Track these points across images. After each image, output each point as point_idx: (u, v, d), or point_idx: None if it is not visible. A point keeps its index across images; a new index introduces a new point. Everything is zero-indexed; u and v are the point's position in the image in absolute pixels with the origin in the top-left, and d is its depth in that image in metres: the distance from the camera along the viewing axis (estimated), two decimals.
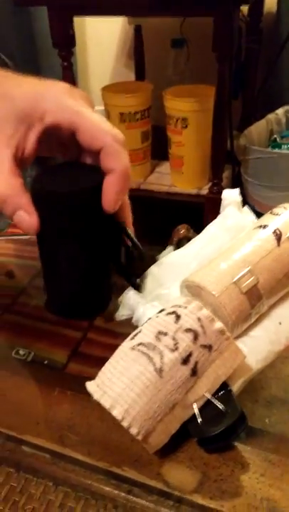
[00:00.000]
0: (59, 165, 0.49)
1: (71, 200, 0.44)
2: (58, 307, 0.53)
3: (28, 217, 0.44)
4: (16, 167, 0.44)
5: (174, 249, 0.60)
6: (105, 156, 0.43)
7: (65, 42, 1.24)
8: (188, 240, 0.61)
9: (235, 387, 0.43)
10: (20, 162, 0.44)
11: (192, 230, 0.63)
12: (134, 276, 0.53)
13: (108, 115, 1.36)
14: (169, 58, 1.49)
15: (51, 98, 0.43)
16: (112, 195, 0.44)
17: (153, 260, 0.57)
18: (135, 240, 0.49)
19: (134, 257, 0.49)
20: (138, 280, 0.54)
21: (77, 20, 1.25)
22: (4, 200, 0.43)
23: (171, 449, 0.41)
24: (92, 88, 1.77)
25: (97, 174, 0.45)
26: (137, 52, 1.59)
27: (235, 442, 0.42)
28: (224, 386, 0.41)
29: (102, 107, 1.41)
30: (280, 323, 0.47)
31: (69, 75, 1.30)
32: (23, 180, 0.44)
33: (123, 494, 0.40)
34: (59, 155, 0.50)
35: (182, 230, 0.62)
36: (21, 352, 0.53)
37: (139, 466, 0.41)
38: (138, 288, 0.53)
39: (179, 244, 0.61)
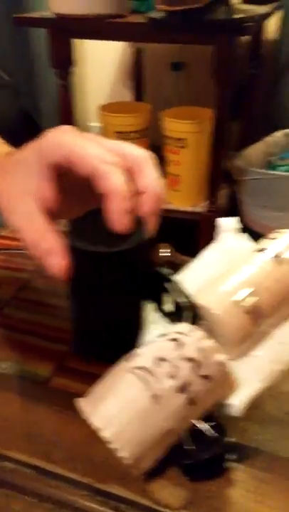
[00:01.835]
0: (90, 213, 0.47)
1: (114, 260, 0.45)
2: (90, 350, 0.53)
3: (58, 261, 0.40)
4: (45, 214, 0.40)
5: None
6: (94, 181, 0.39)
7: (63, 63, 1.25)
8: (171, 263, 0.61)
9: (241, 406, 0.42)
10: (48, 211, 0.41)
11: (173, 249, 0.63)
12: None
13: (105, 134, 1.37)
14: (168, 80, 1.51)
15: (50, 139, 0.40)
16: (113, 220, 0.39)
17: None
18: (181, 288, 0.47)
19: (180, 305, 0.47)
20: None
21: (77, 40, 1.27)
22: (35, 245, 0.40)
23: (159, 466, 0.40)
24: (89, 106, 1.79)
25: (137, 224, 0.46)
26: (137, 73, 1.61)
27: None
28: (214, 417, 0.41)
29: (96, 123, 1.42)
30: (282, 343, 0.47)
31: (66, 95, 1.31)
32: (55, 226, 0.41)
33: (109, 511, 0.39)
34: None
35: (164, 250, 0.63)
36: (3, 365, 0.52)
37: (126, 483, 0.40)
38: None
39: None
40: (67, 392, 0.47)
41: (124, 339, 0.49)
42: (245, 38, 1.40)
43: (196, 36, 1.13)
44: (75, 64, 1.29)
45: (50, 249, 0.40)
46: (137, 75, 1.62)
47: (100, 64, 1.75)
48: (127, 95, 1.71)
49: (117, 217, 0.39)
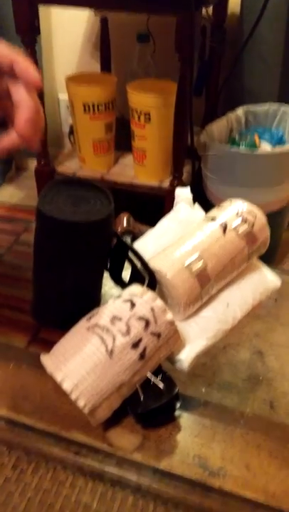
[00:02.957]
0: (61, 182, 0.51)
1: (85, 230, 0.47)
2: (53, 319, 0.55)
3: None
4: None
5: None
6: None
7: (29, 29, 1.24)
8: (129, 233, 0.65)
9: (189, 360, 0.47)
10: None
11: (132, 218, 0.67)
12: None
13: (72, 104, 1.37)
14: (134, 52, 1.51)
15: None
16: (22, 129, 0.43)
17: None
18: (145, 260, 0.50)
19: (141, 277, 0.50)
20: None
21: (42, 8, 1.26)
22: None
23: (115, 416, 0.45)
24: (56, 77, 1.78)
25: (104, 198, 0.49)
26: (103, 44, 1.61)
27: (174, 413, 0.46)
28: (163, 370, 0.46)
29: (65, 95, 1.42)
30: (227, 305, 0.52)
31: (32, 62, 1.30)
32: None
33: (71, 455, 0.44)
34: None
35: (124, 220, 0.66)
36: None
37: (86, 430, 0.44)
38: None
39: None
40: (36, 354, 0.50)
41: (83, 309, 0.52)
42: (208, 11, 1.42)
43: (158, 6, 1.14)
44: (40, 31, 1.28)
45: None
46: (103, 46, 1.61)
47: (67, 34, 1.73)
48: (95, 66, 1.71)
49: (26, 126, 0.42)
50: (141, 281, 0.49)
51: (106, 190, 0.50)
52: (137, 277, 0.50)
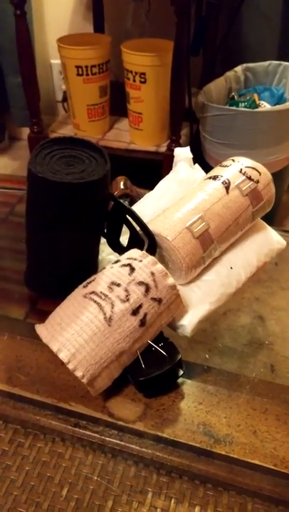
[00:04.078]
0: (54, 142, 0.47)
1: (80, 190, 0.44)
2: (48, 287, 0.52)
3: None
4: None
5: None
6: None
7: None
8: (127, 196, 0.62)
9: (192, 326, 0.45)
10: None
11: (129, 181, 0.64)
12: None
13: (64, 68, 1.32)
14: (129, 10, 1.45)
15: None
16: None
17: None
18: (144, 222, 0.47)
19: (140, 240, 0.47)
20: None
21: None
22: None
23: (116, 385, 0.43)
24: (48, 39, 1.71)
25: (99, 157, 0.45)
26: (96, 3, 1.54)
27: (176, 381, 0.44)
28: (165, 337, 0.44)
29: (58, 60, 1.37)
30: (231, 268, 0.49)
31: (23, 24, 1.25)
32: None
33: (70, 427, 0.42)
34: None
35: (121, 183, 0.63)
36: None
37: (85, 401, 0.43)
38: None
39: None
40: (31, 324, 0.48)
41: (79, 276, 0.50)
42: None
43: None
44: None
45: None
46: (96, 5, 1.54)
47: None
48: (88, 27, 1.64)
49: None
50: (140, 246, 0.47)
51: (101, 148, 0.47)
52: (135, 241, 0.48)
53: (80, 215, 0.46)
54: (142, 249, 0.46)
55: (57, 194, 0.44)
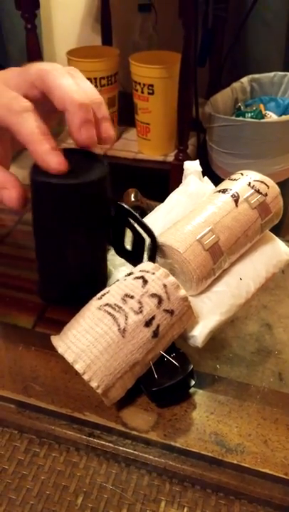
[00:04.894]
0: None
1: (80, 191, 0.44)
2: (58, 296, 0.53)
3: (10, 192, 0.45)
4: None
5: None
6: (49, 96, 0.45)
7: (28, 4, 1.21)
8: (138, 208, 0.64)
9: (202, 336, 0.46)
10: None
11: (140, 194, 0.65)
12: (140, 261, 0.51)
13: None
14: (136, 23, 1.47)
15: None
16: (74, 132, 0.45)
17: None
18: (147, 224, 0.48)
19: (142, 242, 0.48)
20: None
21: None
22: None
23: (129, 395, 0.44)
24: (57, 52, 1.74)
25: (97, 161, 0.47)
26: (104, 15, 1.56)
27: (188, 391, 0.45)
28: (177, 348, 0.45)
29: None
30: (240, 279, 0.50)
31: (33, 37, 1.27)
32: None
33: (84, 437, 0.43)
34: None
35: (131, 195, 0.64)
36: None
37: (99, 411, 0.44)
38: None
39: None
40: (45, 334, 0.49)
41: (88, 283, 0.50)
42: None
43: None
44: (39, 5, 1.25)
45: (1, 183, 0.44)
46: (104, 18, 1.57)
47: (67, 9, 1.69)
48: (96, 40, 1.66)
49: (79, 128, 0.44)
50: (142, 245, 0.48)
51: (99, 155, 0.48)
52: (138, 241, 0.49)
53: (83, 217, 0.46)
54: (143, 248, 0.48)
55: (58, 196, 0.45)
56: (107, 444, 0.42)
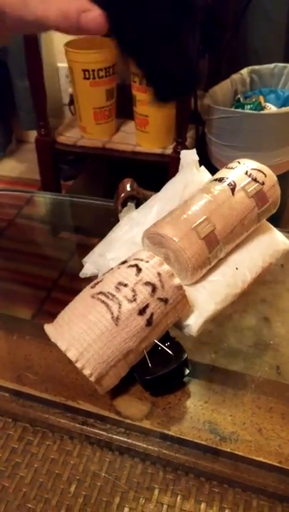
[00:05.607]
0: None
1: None
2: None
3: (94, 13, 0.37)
4: None
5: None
6: None
7: None
8: (133, 198, 0.63)
9: (197, 325, 0.45)
10: None
11: (136, 184, 0.65)
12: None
13: (71, 71, 1.33)
14: None
15: None
16: None
17: None
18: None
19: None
20: None
21: None
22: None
23: (123, 384, 0.43)
24: (55, 43, 1.73)
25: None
26: None
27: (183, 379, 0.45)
28: (172, 337, 0.44)
29: (65, 64, 1.38)
30: (236, 269, 0.50)
31: None
32: None
33: (78, 425, 0.42)
34: None
35: (127, 185, 0.64)
36: None
37: (93, 400, 0.43)
38: None
39: (124, 204, 0.62)
40: (39, 323, 0.49)
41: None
42: None
43: None
44: None
45: (81, 7, 0.38)
46: None
47: None
48: None
49: None
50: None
51: None
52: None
53: None
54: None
55: None
56: (100, 432, 0.42)
